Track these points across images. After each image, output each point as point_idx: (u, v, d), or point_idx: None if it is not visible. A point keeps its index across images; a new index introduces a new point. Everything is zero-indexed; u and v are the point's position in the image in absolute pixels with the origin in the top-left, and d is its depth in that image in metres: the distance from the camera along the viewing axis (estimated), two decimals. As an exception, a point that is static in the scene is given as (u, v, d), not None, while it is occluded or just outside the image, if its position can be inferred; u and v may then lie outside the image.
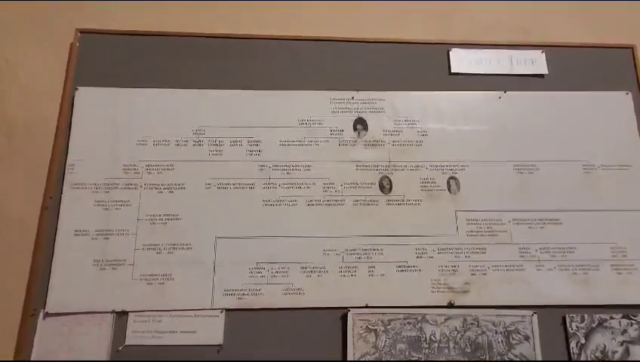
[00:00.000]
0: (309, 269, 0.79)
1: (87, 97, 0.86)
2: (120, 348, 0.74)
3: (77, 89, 0.86)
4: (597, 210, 0.85)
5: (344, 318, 0.77)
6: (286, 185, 0.83)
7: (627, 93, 0.92)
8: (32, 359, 0.74)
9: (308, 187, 0.84)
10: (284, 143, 0.86)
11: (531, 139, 0.88)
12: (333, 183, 0.84)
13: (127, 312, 0.76)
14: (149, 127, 0.84)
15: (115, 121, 0.84)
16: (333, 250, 0.81)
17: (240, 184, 0.83)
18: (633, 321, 0.80)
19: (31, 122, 0.87)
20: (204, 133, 0.85)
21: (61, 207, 0.80)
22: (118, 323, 0.76)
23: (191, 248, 0.80)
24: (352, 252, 0.81)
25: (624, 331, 0.80)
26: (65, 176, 0.81)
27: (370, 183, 0.85)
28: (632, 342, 0.79)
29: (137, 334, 0.75)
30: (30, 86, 0.89)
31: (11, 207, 0.82)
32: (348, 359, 0.75)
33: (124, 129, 0.84)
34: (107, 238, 0.79)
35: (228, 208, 0.82)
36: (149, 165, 0.83)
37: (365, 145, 0.87)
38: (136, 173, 0.82)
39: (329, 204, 0.83)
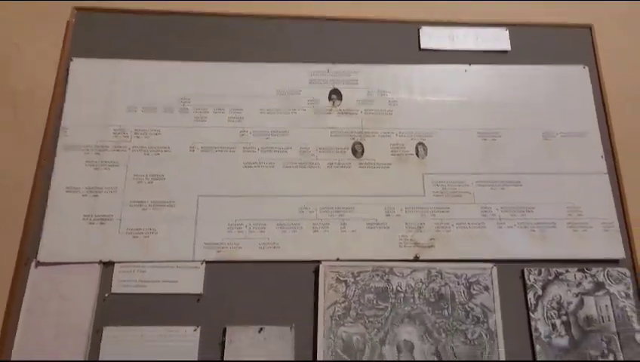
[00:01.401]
0: (284, 225, 0.84)
1: (81, 67, 0.91)
2: (106, 295, 0.79)
3: (72, 60, 0.91)
4: (555, 173, 0.89)
5: (316, 271, 0.82)
6: (265, 149, 0.88)
7: (584, 68, 0.97)
8: (23, 305, 0.78)
9: (285, 151, 0.88)
10: (263, 111, 0.91)
11: (495, 109, 0.93)
12: (308, 148, 0.89)
13: (114, 263, 0.80)
14: (138, 95, 0.89)
15: (106, 89, 0.89)
16: (307, 208, 0.85)
17: (222, 148, 0.87)
18: (587, 274, 0.84)
19: (32, 92, 0.92)
20: (189, 102, 0.90)
21: (54, 166, 0.85)
22: (105, 273, 0.80)
23: (174, 205, 0.84)
24: (325, 210, 0.85)
25: (579, 283, 0.84)
26: (59, 139, 0.86)
27: (344, 148, 0.89)
28: (587, 293, 0.83)
29: (123, 283, 0.80)
30: (32, 60, 0.95)
31: (12, 168, 0.86)
32: (319, 307, 0.80)
33: (115, 97, 0.89)
34: (96, 195, 0.84)
35: (210, 169, 0.86)
36: (137, 130, 0.87)
37: (339, 113, 0.92)
38: (125, 136, 0.87)
39: (304, 167, 0.88)
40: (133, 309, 0.78)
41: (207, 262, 0.81)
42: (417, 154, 0.90)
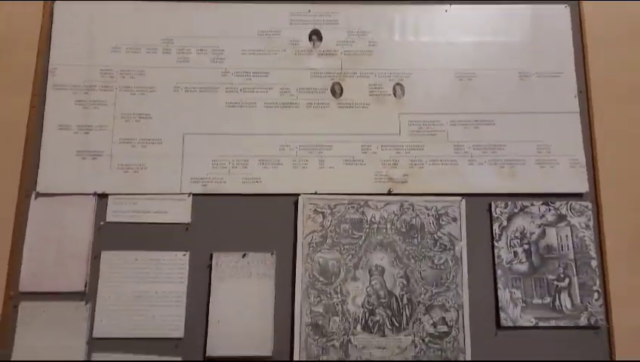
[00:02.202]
0: (265, 162, 0.88)
1: (65, 8, 0.92)
2: (102, 224, 0.85)
3: (55, 1, 0.92)
4: (528, 112, 0.92)
5: (296, 203, 0.87)
6: (246, 90, 0.91)
7: (566, 7, 0.97)
8: (27, 233, 0.84)
9: (266, 91, 0.91)
10: (245, 52, 0.92)
11: (472, 49, 0.94)
12: (288, 88, 0.91)
13: (107, 195, 0.86)
14: (122, 36, 0.91)
15: (91, 30, 0.91)
16: (287, 145, 0.89)
17: (205, 88, 0.90)
18: (551, 207, 0.89)
19: (18, 36, 0.93)
20: (172, 42, 0.92)
21: (46, 106, 0.89)
22: (100, 204, 0.86)
23: (161, 143, 0.88)
24: (304, 147, 0.89)
25: (542, 216, 0.89)
26: (48, 79, 0.89)
27: (323, 88, 0.92)
28: (549, 224, 0.88)
29: (116, 213, 0.86)
30: (16, 3, 0.95)
31: (5, 109, 0.90)
32: (298, 235, 0.86)
33: (100, 37, 0.91)
34: (87, 133, 0.88)
35: (194, 108, 0.90)
36: (122, 70, 0.90)
37: (319, 54, 0.93)
38: (111, 77, 0.90)
39: (285, 106, 0.91)
40: (127, 236, 0.85)
41: (193, 195, 0.87)
42: (395, 95, 0.92)
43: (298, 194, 0.87)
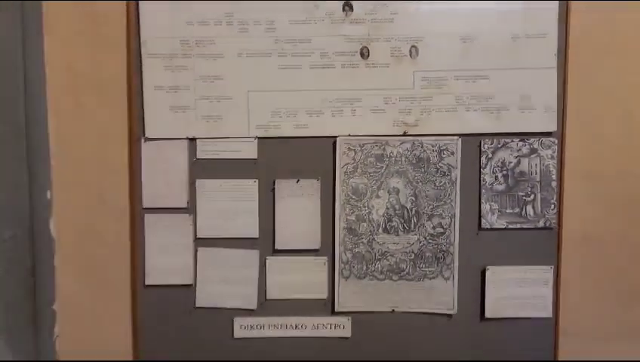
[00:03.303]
0: (311, 112, 1.16)
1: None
2: (194, 160, 1.17)
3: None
4: (516, 68, 1.15)
5: (334, 143, 1.16)
6: (294, 54, 1.14)
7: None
8: (142, 167, 1.16)
9: (309, 55, 1.15)
10: (292, 23, 1.14)
11: (475, 16, 1.13)
12: (327, 52, 1.15)
13: (196, 139, 1.16)
14: (193, 12, 1.12)
15: (169, 8, 1.12)
16: (327, 99, 1.16)
17: (262, 53, 1.14)
18: (526, 143, 1.17)
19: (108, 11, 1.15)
20: (232, 16, 1.13)
21: (143, 70, 1.14)
22: (191, 146, 1.17)
23: (231, 99, 1.16)
24: (340, 100, 1.16)
25: (519, 149, 1.17)
26: (141, 49, 1.14)
27: (354, 52, 1.15)
28: (523, 156, 1.17)
29: (203, 152, 1.17)
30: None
31: (105, 72, 1.16)
32: (336, 166, 1.16)
33: (177, 14, 1.12)
34: (176, 92, 1.15)
35: (254, 71, 1.15)
36: (197, 40, 1.14)
37: (350, 22, 1.14)
38: (189, 46, 1.14)
39: (324, 67, 1.15)
40: (213, 169, 1.17)
41: (258, 138, 1.16)
42: (410, 56, 1.15)
43: (336, 137, 1.15)
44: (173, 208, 1.18)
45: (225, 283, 1.20)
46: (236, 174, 1.17)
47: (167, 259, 1.18)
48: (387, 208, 1.17)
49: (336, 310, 1.19)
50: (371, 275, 1.19)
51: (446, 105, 1.16)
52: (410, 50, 1.15)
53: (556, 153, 1.16)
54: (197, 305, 1.20)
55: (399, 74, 1.15)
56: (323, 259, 1.19)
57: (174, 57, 1.14)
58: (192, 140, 1.16)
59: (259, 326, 1.20)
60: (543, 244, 1.19)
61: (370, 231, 1.18)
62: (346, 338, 1.21)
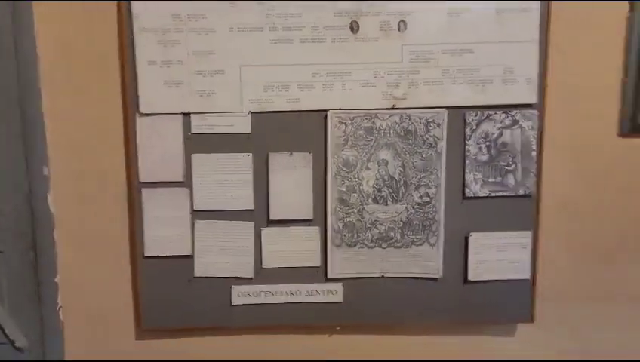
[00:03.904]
0: (302, 86, 1.18)
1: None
2: (189, 134, 1.19)
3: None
4: (499, 42, 1.19)
5: (325, 117, 1.19)
6: (285, 29, 1.16)
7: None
8: (137, 142, 1.18)
9: (300, 30, 1.16)
10: (282, -3, 1.16)
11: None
12: (317, 26, 1.16)
13: (190, 113, 1.18)
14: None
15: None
16: (318, 73, 1.18)
17: (253, 28, 1.15)
18: (509, 115, 1.21)
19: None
20: (223, -10, 1.15)
21: (135, 45, 1.15)
22: (185, 121, 1.18)
23: (224, 73, 1.17)
24: (330, 74, 1.18)
25: (502, 121, 1.22)
26: (133, 24, 1.13)
27: (344, 26, 1.17)
28: (506, 127, 1.22)
29: (198, 126, 1.18)
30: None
31: (95, 46, 1.17)
32: (327, 139, 1.19)
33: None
34: (169, 67, 1.16)
35: (247, 45, 1.16)
36: (188, 15, 1.14)
37: None
38: (180, 20, 1.14)
39: (314, 42, 1.17)
40: (207, 143, 1.19)
41: (251, 113, 1.19)
42: (399, 29, 1.17)
43: (327, 110, 1.19)
44: (170, 182, 1.21)
45: (222, 254, 1.24)
46: (231, 148, 1.20)
47: (166, 231, 1.22)
48: (377, 179, 1.22)
49: (328, 276, 1.26)
50: (362, 243, 1.25)
51: (433, 79, 1.19)
52: (399, 25, 1.17)
53: (536, 124, 1.23)
54: (195, 275, 1.25)
55: (388, 48, 1.17)
56: (316, 229, 1.24)
57: (167, 32, 1.14)
58: (186, 115, 1.18)
59: (255, 294, 1.26)
60: (522, 211, 1.25)
61: (361, 201, 1.23)
62: (339, 302, 1.28)
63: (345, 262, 1.26)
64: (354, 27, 1.18)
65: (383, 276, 1.26)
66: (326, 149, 1.20)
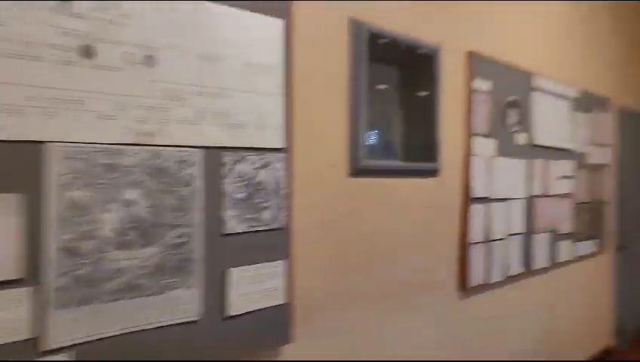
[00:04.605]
0: (10, 111, 0.78)
1: None
2: None
3: None
4: (250, 91, 1.10)
5: (43, 150, 0.83)
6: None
7: (283, 20, 1.20)
8: None
9: (5, 41, 0.78)
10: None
11: (210, 39, 1.04)
12: (33, 42, 0.80)
13: None
14: None
15: None
16: (33, 97, 0.80)
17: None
18: (262, 157, 1.17)
19: None
20: None
21: None
22: None
23: None
24: (55, 100, 0.84)
25: (255, 162, 1.16)
26: None
27: (73, 48, 0.86)
28: (260, 168, 1.17)
29: None
30: None
31: None
32: (47, 178, 0.84)
33: None
34: None
35: None
36: None
37: (71, 15, 0.84)
38: None
39: (31, 60, 0.80)
40: None
41: None
42: (147, 64, 0.96)
43: (45, 142, 0.83)
44: None
45: None
46: None
47: None
48: (121, 222, 0.94)
49: (50, 348, 0.85)
50: (99, 299, 0.91)
51: (186, 118, 1.03)
52: (147, 59, 0.97)
53: (285, 166, 1.22)
54: None
55: (133, 81, 0.95)
56: (24, 291, 0.83)
57: None
58: None
59: None
60: (277, 243, 1.20)
61: (99, 248, 0.91)
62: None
63: (74, 325, 0.88)
64: (90, 52, 0.90)
65: (130, 332, 0.95)
66: (44, 190, 0.85)
